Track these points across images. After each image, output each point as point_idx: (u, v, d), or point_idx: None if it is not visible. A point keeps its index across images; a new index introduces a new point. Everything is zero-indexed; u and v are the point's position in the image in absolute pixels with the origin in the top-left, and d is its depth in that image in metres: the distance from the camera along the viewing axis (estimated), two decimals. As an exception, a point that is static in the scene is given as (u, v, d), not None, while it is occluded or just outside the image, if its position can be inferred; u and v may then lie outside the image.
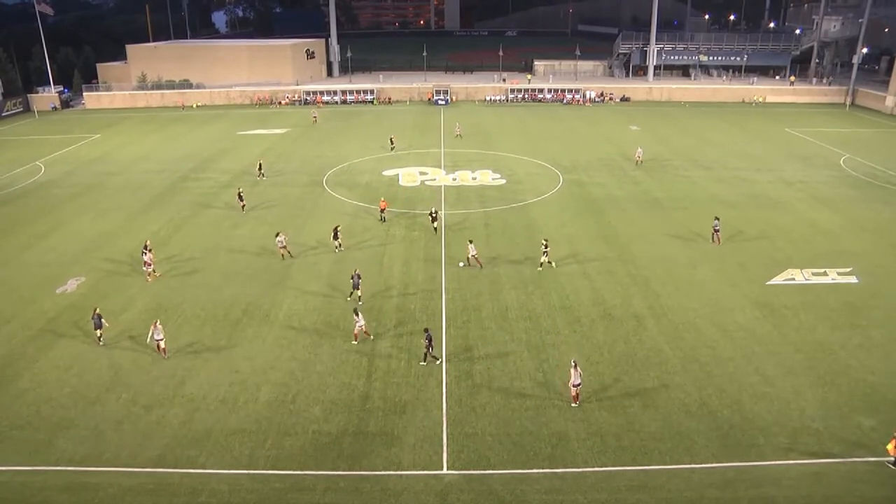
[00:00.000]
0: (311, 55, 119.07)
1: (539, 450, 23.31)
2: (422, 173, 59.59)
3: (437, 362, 28.59)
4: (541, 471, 22.35)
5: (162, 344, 29.63)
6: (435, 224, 43.96)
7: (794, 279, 36.76)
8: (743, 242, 42.15)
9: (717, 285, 36.07)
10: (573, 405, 25.63)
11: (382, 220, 46.67)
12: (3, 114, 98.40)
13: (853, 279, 36.65)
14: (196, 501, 21.50)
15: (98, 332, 30.67)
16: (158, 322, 29.98)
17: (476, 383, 27.28)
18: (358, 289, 34.41)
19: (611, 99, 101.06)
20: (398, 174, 59.38)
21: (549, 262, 38.34)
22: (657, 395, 26.28)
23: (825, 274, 37.38)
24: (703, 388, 26.69)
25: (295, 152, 69.36)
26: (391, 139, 70.19)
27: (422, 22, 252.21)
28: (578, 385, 25.44)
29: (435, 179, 57.55)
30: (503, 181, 56.55)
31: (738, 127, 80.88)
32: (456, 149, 68.57)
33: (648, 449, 23.24)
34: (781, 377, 27.45)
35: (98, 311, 31.14)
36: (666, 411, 25.24)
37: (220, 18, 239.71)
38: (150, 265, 37.81)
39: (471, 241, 38.60)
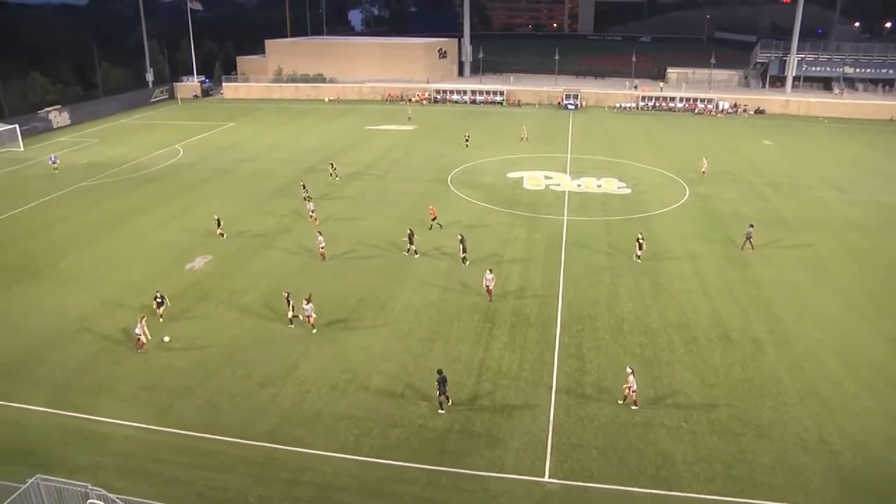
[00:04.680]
0: (443, 54, 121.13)
1: (644, 468, 23.21)
2: (546, 177, 59.72)
3: (449, 403, 26.51)
4: (643, 490, 22.24)
5: (308, 316, 32.08)
6: (464, 254, 40.30)
7: (934, 316, 34.55)
8: (874, 271, 39.92)
9: (844, 315, 34.38)
10: (631, 406, 26.27)
11: (431, 227, 45.44)
12: (151, 99, 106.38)
13: None
14: (300, 479, 22.87)
15: (160, 310, 33.16)
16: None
17: (585, 394, 27.40)
18: (465, 252, 39.12)
19: (744, 111, 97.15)
20: (523, 177, 59.75)
21: (639, 257, 38.87)
22: (772, 426, 25.45)
23: (970, 313, 34.91)
24: (823, 424, 25.57)
25: (421, 149, 71.12)
26: (466, 136, 71.75)
27: (555, 25, 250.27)
28: (635, 391, 26.11)
29: (559, 185, 57.55)
30: (628, 190, 55.88)
31: (880, 148, 75.77)
32: (583, 155, 68.19)
33: (759, 482, 22.58)
34: (913, 422, 25.84)
35: (159, 293, 33.74)
36: (781, 444, 24.41)
37: (356, 17, 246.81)
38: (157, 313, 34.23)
39: (490, 271, 35.82)
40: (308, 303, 32.04)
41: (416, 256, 41.20)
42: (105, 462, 23.58)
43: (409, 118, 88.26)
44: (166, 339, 31.25)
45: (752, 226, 42.76)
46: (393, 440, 24.76)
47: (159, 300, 33.18)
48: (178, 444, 24.68)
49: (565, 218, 48.30)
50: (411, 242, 41.40)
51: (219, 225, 44.69)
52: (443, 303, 35.38)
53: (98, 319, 33.82)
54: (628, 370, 26.55)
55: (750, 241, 42.17)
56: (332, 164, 60.99)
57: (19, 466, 22.38)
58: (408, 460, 23.69)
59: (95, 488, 17.79)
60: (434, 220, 46.02)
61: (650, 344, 31.35)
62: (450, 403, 26.45)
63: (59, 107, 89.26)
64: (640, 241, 40.30)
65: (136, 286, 37.65)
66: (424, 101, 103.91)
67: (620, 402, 26.57)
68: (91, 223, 48.33)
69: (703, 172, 60.22)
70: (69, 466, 22.75)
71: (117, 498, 17.82)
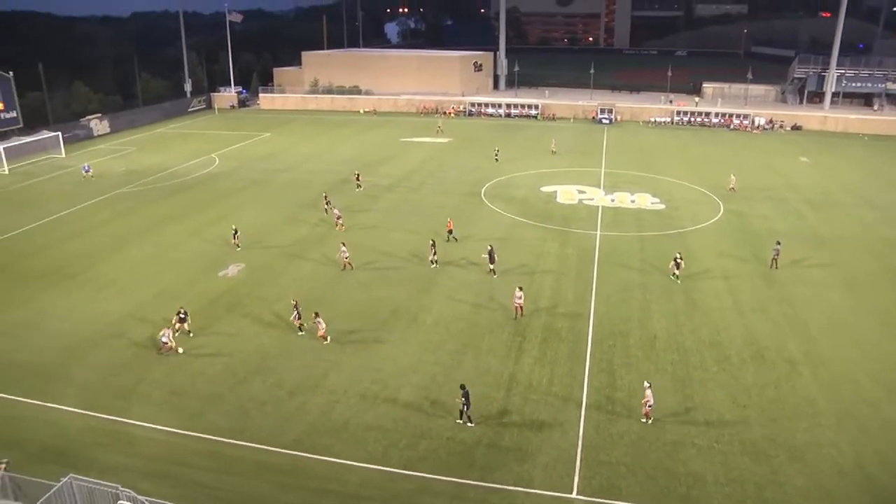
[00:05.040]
0: (478, 68, 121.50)
1: (673, 488, 22.84)
2: (580, 192, 59.41)
3: (471, 425, 26.13)
4: (674, 509, 21.86)
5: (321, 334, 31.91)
6: (492, 266, 40.31)
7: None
8: (919, 294, 38.93)
9: (882, 336, 33.49)
10: (645, 421, 26.14)
11: (448, 240, 45.27)
12: (189, 109, 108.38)
13: None
14: (327, 487, 22.91)
15: (183, 325, 32.69)
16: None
17: (615, 411, 27.09)
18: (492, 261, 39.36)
19: (781, 126, 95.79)
20: (556, 191, 59.52)
21: (676, 277, 38.23)
22: (807, 448, 24.88)
23: None
24: (861, 449, 24.91)
25: (455, 162, 71.24)
26: (496, 151, 71.80)
27: (590, 39, 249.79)
28: (651, 406, 25.93)
29: (593, 199, 57.22)
30: (662, 206, 55.36)
31: (926, 167, 73.97)
32: (617, 169, 67.76)
33: (792, 504, 22.10)
34: (954, 448, 25.08)
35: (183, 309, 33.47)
36: (815, 467, 23.85)
37: (392, 29, 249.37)
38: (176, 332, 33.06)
39: (520, 288, 35.09)
40: (317, 317, 32.25)
41: (434, 266, 41.35)
42: (133, 464, 23.89)
43: (440, 131, 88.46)
44: (180, 350, 31.41)
45: (779, 243, 42.07)
46: (421, 452, 24.70)
47: (182, 316, 32.87)
48: (205, 449, 24.90)
49: (598, 233, 47.98)
50: (434, 252, 41.60)
51: (235, 235, 44.96)
52: (473, 315, 35.29)
53: (131, 324, 34.34)
54: (646, 384, 26.43)
55: (776, 259, 41.54)
56: (357, 174, 61.29)
57: (53, 465, 22.80)
58: (436, 473, 23.60)
59: (125, 490, 18.01)
60: (450, 232, 45.98)
61: (682, 362, 30.90)
62: (471, 424, 26.19)
63: (99, 115, 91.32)
64: (678, 260, 39.65)
65: (169, 292, 38.21)
66: (452, 115, 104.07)
67: (643, 419, 26.28)
68: (127, 229, 49.18)
69: (732, 188, 59.50)
70: (99, 467, 23.08)
71: (146, 500, 17.99)
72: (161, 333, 31.18)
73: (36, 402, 27.59)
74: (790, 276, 40.88)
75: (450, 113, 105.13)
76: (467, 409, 25.93)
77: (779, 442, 25.17)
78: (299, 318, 33.17)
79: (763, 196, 58.68)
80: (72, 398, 27.87)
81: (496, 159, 70.82)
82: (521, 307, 34.74)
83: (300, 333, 33.09)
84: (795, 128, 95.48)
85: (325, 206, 52.10)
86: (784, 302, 37.30)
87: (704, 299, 37.32)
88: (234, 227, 45.69)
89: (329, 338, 32.42)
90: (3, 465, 20.55)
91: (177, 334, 32.11)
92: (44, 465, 22.84)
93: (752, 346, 32.30)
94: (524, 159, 72.23)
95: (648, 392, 26.05)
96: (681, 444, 25.08)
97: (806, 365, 30.69)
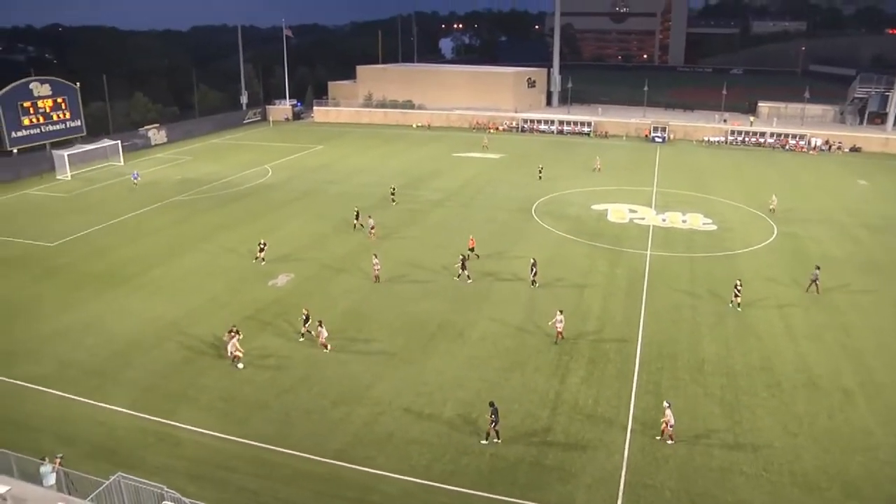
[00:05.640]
0: (531, 84, 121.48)
1: (720, 515, 22.31)
2: (631, 211, 58.82)
3: (497, 441, 25.92)
4: (720, 538, 21.37)
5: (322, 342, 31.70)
6: (534, 276, 40.60)
7: None
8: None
9: (947, 369, 32.26)
10: (669, 442, 25.88)
11: (468, 258, 43.03)
12: (244, 121, 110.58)
13: None
14: (367, 499, 22.99)
15: (234, 338, 31.45)
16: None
17: (662, 434, 26.58)
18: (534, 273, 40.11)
19: (839, 148, 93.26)
20: (607, 209, 59.03)
21: (737, 305, 37.25)
22: (863, 483, 23.94)
23: None
24: (920, 483, 23.91)
25: (506, 178, 71.16)
26: (540, 168, 71.11)
27: (645, 56, 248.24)
28: (672, 426, 25.74)
29: (644, 219, 56.58)
30: (714, 227, 54.41)
31: None
32: (669, 189, 66.92)
33: (847, 540, 21.32)
34: None
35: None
36: (873, 503, 22.95)
37: (447, 45, 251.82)
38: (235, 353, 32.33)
39: (561, 311, 34.02)
40: (320, 325, 32.59)
41: (466, 281, 41.34)
42: (178, 466, 24.37)
43: (486, 147, 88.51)
44: (240, 366, 31.38)
45: (818, 267, 41.00)
46: (463, 467, 24.62)
47: (234, 333, 31.71)
48: (249, 454, 25.23)
49: (648, 253, 47.38)
50: (464, 268, 41.51)
51: (261, 249, 44.50)
52: (521, 333, 35.05)
53: (183, 329, 35.12)
54: (665, 404, 26.08)
55: (816, 284, 40.44)
56: (392, 188, 61.55)
57: (104, 463, 23.48)
58: (477, 489, 23.47)
59: (170, 491, 18.35)
60: (472, 250, 45.16)
61: (731, 386, 30.21)
62: (498, 440, 26.01)
63: (157, 125, 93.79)
64: (738, 287, 38.31)
65: (219, 299, 39.02)
66: (494, 131, 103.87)
67: (658, 437, 25.97)
68: (181, 236, 50.39)
69: (772, 209, 58.30)
70: (147, 467, 23.57)
71: (190, 501, 18.31)
72: (230, 344, 31.25)
73: (90, 402, 28.37)
74: (845, 302, 39.71)
75: (493, 128, 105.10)
76: (495, 425, 25.75)
77: (832, 474, 24.34)
78: (307, 327, 33.78)
79: (818, 219, 57.21)
80: (123, 399, 28.60)
81: (539, 177, 70.31)
82: (562, 332, 33.79)
83: (300, 340, 33.72)
84: (854, 149, 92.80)
85: (355, 222, 51.94)
86: (838, 329, 36.22)
87: (755, 323, 36.49)
88: (262, 240, 45.32)
89: (330, 346, 32.68)
90: (59, 460, 21.24)
91: (240, 357, 31.27)
92: (96, 463, 23.52)
93: (804, 373, 31.41)
94: (576, 177, 71.75)
95: (668, 412, 25.70)
96: (728, 470, 24.49)
97: (861, 395, 29.66)
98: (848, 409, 28.53)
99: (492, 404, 25.89)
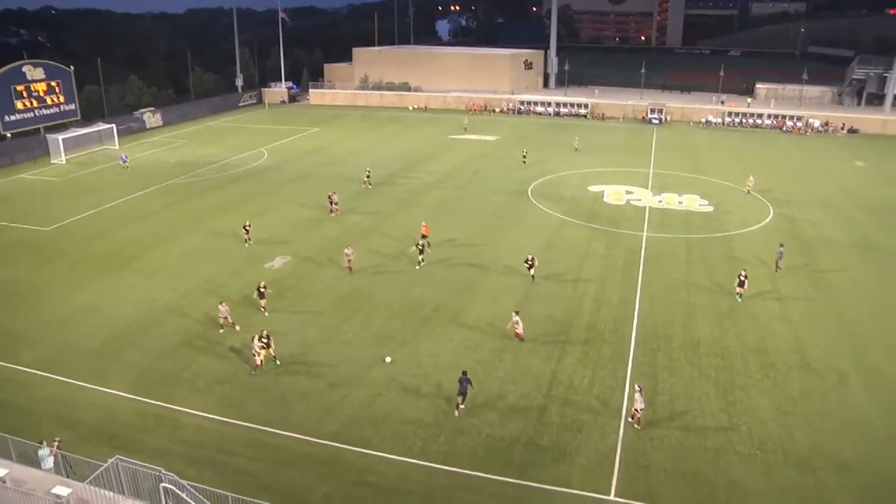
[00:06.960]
0: (528, 66, 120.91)
1: (712, 496, 22.52)
2: (628, 192, 58.79)
3: (456, 414, 26.24)
4: (713, 517, 21.55)
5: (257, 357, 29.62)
6: (532, 272, 39.14)
7: None
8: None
9: (941, 350, 32.42)
10: (636, 426, 25.86)
11: (420, 245, 41.82)
12: (240, 104, 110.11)
13: None
14: (365, 479, 23.18)
15: (267, 350, 30.04)
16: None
17: (656, 415, 26.76)
18: (532, 268, 38.69)
19: (836, 129, 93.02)
20: (604, 191, 58.99)
21: (741, 296, 37.01)
22: (855, 462, 24.12)
23: None
24: (916, 464, 24.04)
25: (503, 160, 70.99)
26: (524, 153, 70.04)
27: (643, 38, 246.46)
28: (641, 409, 25.61)
29: (640, 200, 56.58)
30: (710, 208, 54.44)
31: None
32: (666, 170, 66.85)
33: (841, 520, 21.46)
34: None
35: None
36: (864, 483, 23.09)
37: (443, 27, 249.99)
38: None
39: (517, 312, 32.69)
40: (259, 339, 29.75)
41: (419, 267, 40.89)
42: (177, 449, 24.53)
43: (465, 129, 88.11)
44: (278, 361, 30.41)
45: (782, 245, 41.15)
46: (459, 447, 24.79)
47: (265, 341, 29.96)
48: (247, 437, 25.38)
49: (645, 234, 47.44)
50: (421, 253, 41.11)
51: (247, 231, 44.58)
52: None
53: (180, 310, 35.29)
54: (636, 387, 26.29)
55: (779, 263, 40.59)
56: (367, 170, 60.93)
57: (103, 447, 23.63)
58: (474, 469, 23.66)
59: (168, 473, 18.45)
60: (424, 237, 43.29)
61: (726, 367, 30.38)
62: (462, 407, 26.41)
63: (152, 108, 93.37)
64: (743, 278, 37.21)
65: (215, 280, 39.24)
66: (474, 112, 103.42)
67: (634, 424, 26.02)
68: (178, 218, 50.41)
69: (748, 191, 58.38)
70: (146, 451, 23.69)
71: (188, 484, 18.43)
72: (253, 351, 29.90)
73: (89, 386, 28.51)
74: (841, 284, 39.83)
75: (475, 109, 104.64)
76: (464, 398, 26.25)
77: (825, 454, 24.53)
78: (262, 298, 34.37)
79: (814, 200, 57.20)
80: (122, 382, 28.74)
81: (524, 162, 68.74)
82: (520, 334, 32.13)
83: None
84: (852, 131, 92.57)
85: (331, 208, 51.40)
86: (834, 310, 36.37)
87: (751, 305, 36.60)
88: (246, 222, 45.38)
89: (264, 364, 29.85)
90: (56, 444, 21.33)
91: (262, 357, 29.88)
92: (96, 446, 23.70)
93: (798, 355, 31.56)
94: (570, 160, 71.55)
95: (638, 396, 25.78)
96: (722, 450, 24.70)
97: (856, 376, 29.82)
98: (842, 390, 28.72)
99: (464, 373, 26.49)
